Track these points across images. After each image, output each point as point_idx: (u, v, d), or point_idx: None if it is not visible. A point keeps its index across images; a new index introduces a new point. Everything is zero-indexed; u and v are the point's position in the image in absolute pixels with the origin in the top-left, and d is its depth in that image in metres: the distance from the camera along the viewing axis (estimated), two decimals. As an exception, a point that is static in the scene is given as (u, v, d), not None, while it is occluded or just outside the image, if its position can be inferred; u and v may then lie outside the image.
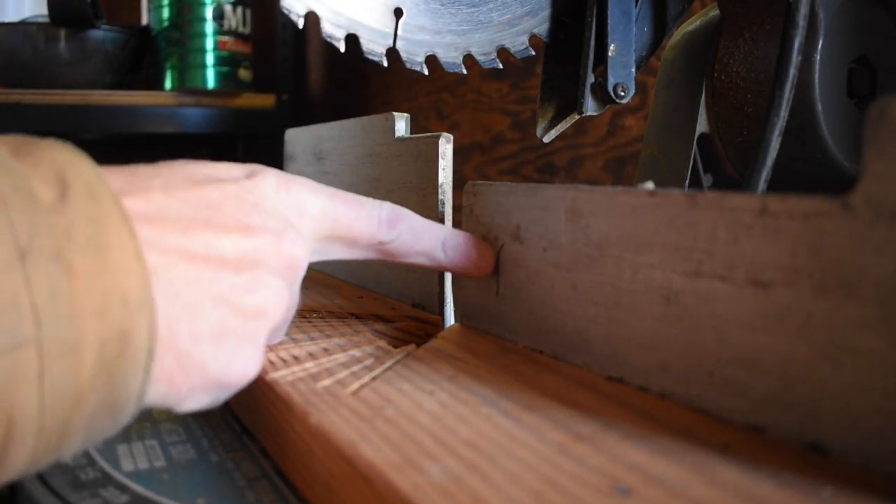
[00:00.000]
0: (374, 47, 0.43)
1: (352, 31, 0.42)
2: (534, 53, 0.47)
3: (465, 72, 0.45)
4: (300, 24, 0.41)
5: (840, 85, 0.42)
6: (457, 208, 0.45)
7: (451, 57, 0.45)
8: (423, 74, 0.44)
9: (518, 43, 0.46)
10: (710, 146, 0.47)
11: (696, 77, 0.47)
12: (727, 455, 0.25)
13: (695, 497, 0.22)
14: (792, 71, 0.38)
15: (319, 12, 0.41)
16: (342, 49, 0.42)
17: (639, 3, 0.46)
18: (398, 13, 0.43)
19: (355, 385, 0.32)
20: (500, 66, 0.46)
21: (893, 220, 0.22)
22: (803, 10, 0.38)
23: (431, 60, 0.45)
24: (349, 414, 0.29)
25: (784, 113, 0.39)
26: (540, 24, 0.47)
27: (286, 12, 0.40)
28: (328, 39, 0.41)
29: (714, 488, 0.22)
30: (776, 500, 0.22)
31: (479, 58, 0.45)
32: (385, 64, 0.43)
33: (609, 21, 0.44)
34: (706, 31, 0.48)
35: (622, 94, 0.45)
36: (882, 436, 0.23)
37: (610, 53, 0.44)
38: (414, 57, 0.44)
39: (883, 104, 0.22)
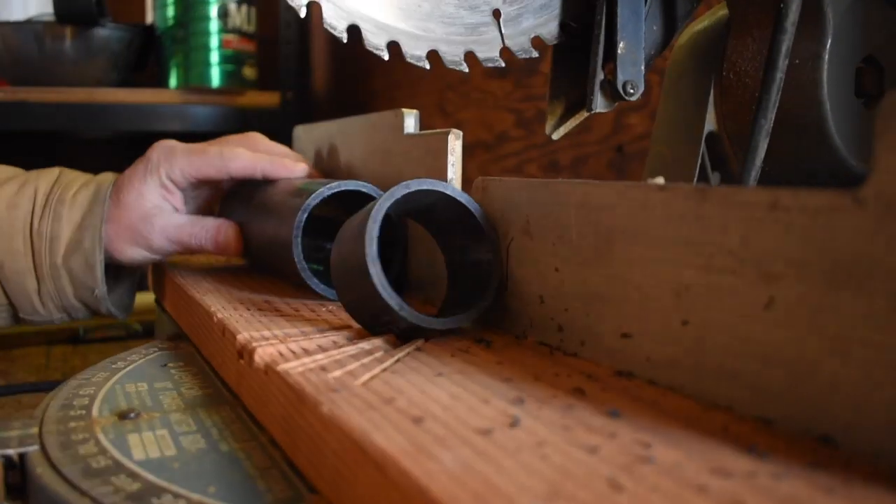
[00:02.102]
0: (376, 40, 0.43)
1: (353, 23, 0.42)
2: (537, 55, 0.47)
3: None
4: (302, 13, 0.41)
5: (848, 84, 0.42)
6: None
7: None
8: (429, 72, 0.45)
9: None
10: (718, 145, 0.47)
11: (705, 76, 0.47)
12: (737, 447, 0.25)
13: (705, 487, 0.22)
14: (779, 74, 0.39)
15: (321, 1, 0.41)
16: (344, 40, 0.42)
17: (648, 2, 0.46)
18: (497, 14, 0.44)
19: (366, 376, 0.32)
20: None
21: (905, 214, 0.22)
22: (792, 17, 0.39)
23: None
24: (360, 403, 0.29)
25: (771, 115, 0.39)
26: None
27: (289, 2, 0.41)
28: (329, 29, 0.41)
29: (724, 479, 0.23)
30: (785, 490, 0.22)
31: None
32: (386, 57, 0.43)
33: (619, 19, 0.44)
34: (715, 31, 0.48)
35: (631, 91, 0.45)
36: (891, 429, 0.23)
37: (619, 51, 0.44)
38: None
39: (894, 98, 0.22)
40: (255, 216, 0.58)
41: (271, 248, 0.54)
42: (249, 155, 0.58)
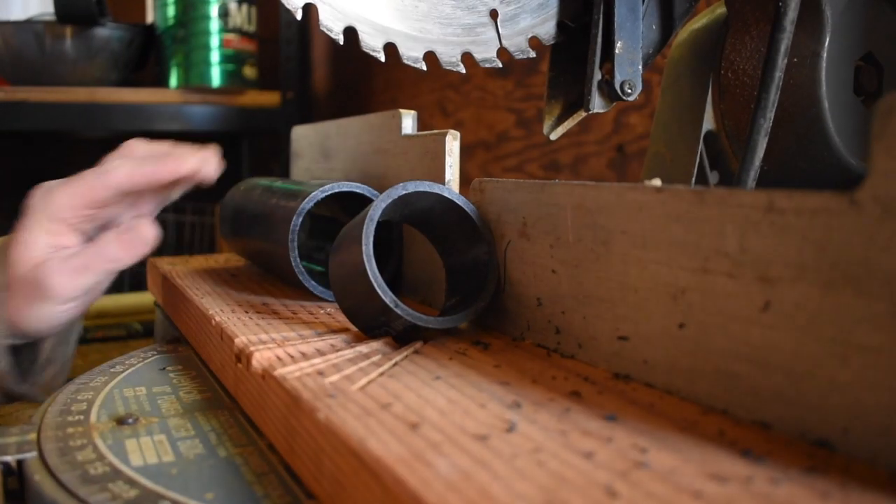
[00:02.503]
0: (372, 41, 0.43)
1: (350, 24, 0.42)
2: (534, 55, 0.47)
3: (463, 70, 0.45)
4: (298, 15, 0.41)
5: (847, 82, 0.42)
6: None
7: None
8: (429, 72, 0.45)
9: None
10: (717, 143, 0.47)
11: (703, 75, 0.47)
12: (734, 451, 0.25)
13: (700, 493, 0.22)
14: (777, 74, 0.39)
15: (318, 3, 0.41)
16: (341, 42, 0.42)
17: (646, 1, 0.46)
18: (494, 14, 0.44)
19: (363, 381, 0.32)
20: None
21: (901, 217, 0.22)
22: (791, 15, 0.38)
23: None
24: (357, 409, 0.29)
25: (770, 115, 0.39)
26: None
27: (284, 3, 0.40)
28: (326, 32, 0.41)
29: (720, 484, 0.23)
30: (782, 495, 0.22)
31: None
32: (382, 59, 0.43)
33: (616, 18, 0.44)
34: (713, 29, 0.48)
35: (629, 91, 0.45)
36: (889, 432, 0.23)
37: (617, 51, 0.44)
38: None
39: (891, 101, 0.22)
40: (252, 221, 0.57)
41: (270, 252, 0.54)
42: (130, 163, 0.52)
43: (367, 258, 0.37)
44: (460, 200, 0.40)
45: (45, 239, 0.50)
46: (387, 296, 0.37)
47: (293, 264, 0.49)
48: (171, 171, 0.52)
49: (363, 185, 0.50)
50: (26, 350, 0.53)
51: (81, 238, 0.52)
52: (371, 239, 0.37)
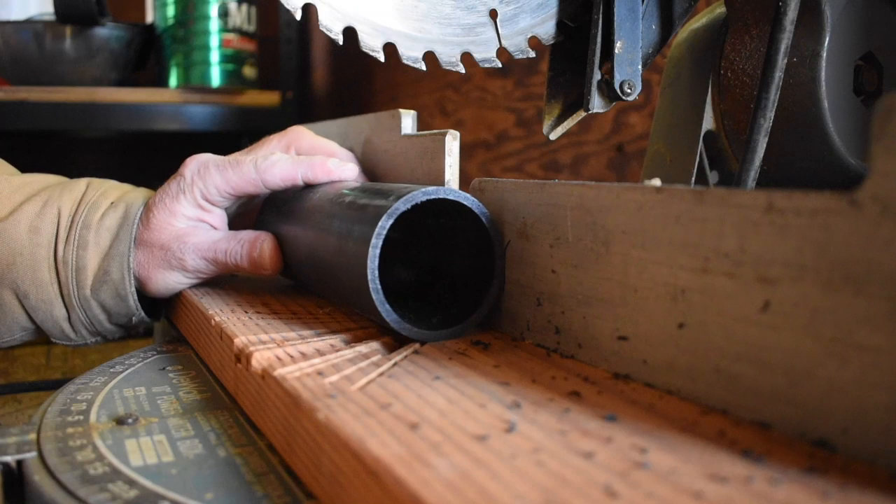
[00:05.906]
0: (372, 41, 0.43)
1: (349, 24, 0.42)
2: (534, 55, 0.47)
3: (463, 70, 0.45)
4: (297, 15, 0.41)
5: (847, 82, 0.42)
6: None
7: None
8: (429, 72, 0.45)
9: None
10: (716, 143, 0.47)
11: (703, 74, 0.47)
12: (734, 451, 0.25)
13: (700, 494, 0.22)
14: (777, 73, 0.38)
15: (317, 3, 0.41)
16: (340, 42, 0.42)
17: (645, 1, 0.46)
18: (493, 14, 0.44)
19: (362, 381, 0.32)
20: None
21: (901, 217, 0.22)
22: (791, 15, 0.38)
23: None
24: (356, 409, 0.29)
25: (770, 114, 0.39)
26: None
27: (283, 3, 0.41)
28: (325, 31, 0.41)
29: (720, 485, 0.23)
30: (782, 495, 0.22)
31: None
32: (382, 59, 0.43)
33: (616, 18, 0.44)
34: (712, 29, 0.48)
35: (629, 91, 0.45)
36: (889, 432, 0.23)
37: (616, 51, 0.44)
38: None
39: (890, 101, 0.22)
40: (306, 224, 0.48)
41: (330, 262, 0.43)
42: (287, 163, 0.52)
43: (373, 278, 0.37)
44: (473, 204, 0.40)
45: (193, 212, 0.53)
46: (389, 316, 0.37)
47: (369, 279, 0.38)
48: (323, 179, 0.52)
49: (468, 196, 0.40)
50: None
51: (221, 211, 0.55)
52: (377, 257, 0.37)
